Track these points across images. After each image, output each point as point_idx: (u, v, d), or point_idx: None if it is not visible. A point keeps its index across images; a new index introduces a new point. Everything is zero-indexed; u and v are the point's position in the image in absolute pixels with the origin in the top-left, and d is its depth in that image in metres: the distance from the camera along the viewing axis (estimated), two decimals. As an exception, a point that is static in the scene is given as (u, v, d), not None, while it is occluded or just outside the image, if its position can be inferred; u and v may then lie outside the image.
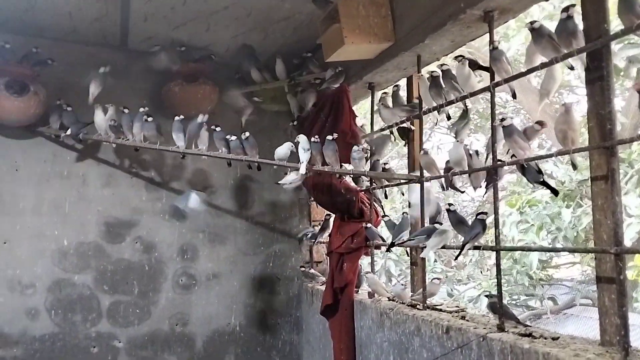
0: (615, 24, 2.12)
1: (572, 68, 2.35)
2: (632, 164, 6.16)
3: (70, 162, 4.22)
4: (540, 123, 2.49)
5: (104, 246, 4.25)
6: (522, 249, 6.30)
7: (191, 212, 4.31)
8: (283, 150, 3.44)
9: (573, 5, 2.16)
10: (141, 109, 3.74)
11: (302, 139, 3.35)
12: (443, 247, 2.67)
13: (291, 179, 3.53)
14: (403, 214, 3.15)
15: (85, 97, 3.93)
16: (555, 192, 2.67)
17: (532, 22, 2.28)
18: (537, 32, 2.26)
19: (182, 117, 3.66)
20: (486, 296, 2.47)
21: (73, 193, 4.21)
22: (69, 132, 3.89)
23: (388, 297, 3.28)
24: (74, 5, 3.66)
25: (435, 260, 8.72)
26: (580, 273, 9.86)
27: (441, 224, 2.72)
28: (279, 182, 3.67)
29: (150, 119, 3.70)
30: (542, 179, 2.41)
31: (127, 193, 4.33)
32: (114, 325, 4.22)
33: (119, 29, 4.05)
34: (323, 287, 3.94)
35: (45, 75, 3.95)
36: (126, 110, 3.77)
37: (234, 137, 3.55)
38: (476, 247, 2.53)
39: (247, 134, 3.55)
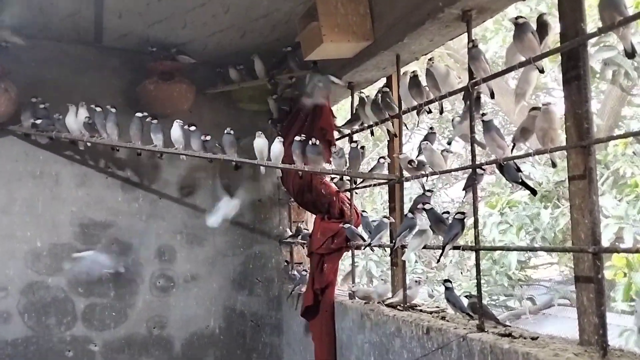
0: (591, 26, 2.14)
1: (542, 71, 2.36)
2: (608, 165, 6.26)
3: (43, 161, 4.11)
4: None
5: (79, 248, 4.14)
6: (501, 248, 6.35)
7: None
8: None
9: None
10: (111, 109, 3.66)
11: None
12: (424, 248, 2.66)
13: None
14: (383, 217, 3.13)
15: (57, 94, 3.84)
16: (533, 191, 2.68)
17: (517, 17, 2.27)
18: (520, 28, 2.25)
19: (155, 120, 3.62)
20: (466, 296, 2.46)
21: (46, 193, 4.10)
22: (38, 121, 3.78)
23: (379, 301, 3.22)
24: (45, 1, 3.56)
25: (416, 261, 8.73)
26: (558, 273, 10.00)
27: (422, 209, 2.67)
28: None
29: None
30: (520, 179, 2.41)
31: (102, 193, 4.23)
32: (90, 328, 4.12)
33: (93, 26, 3.96)
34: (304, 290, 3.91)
35: (16, 72, 3.84)
36: (98, 109, 3.68)
37: (209, 137, 3.49)
38: (456, 247, 2.52)
39: (228, 129, 3.49)
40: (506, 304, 8.38)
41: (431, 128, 3.13)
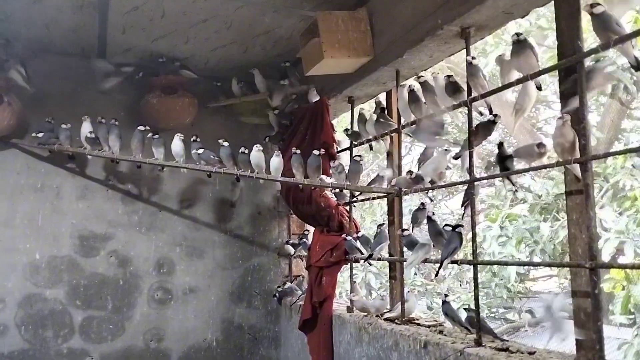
0: (590, 41, 2.17)
1: (540, 88, 2.39)
2: (608, 178, 6.28)
3: (45, 174, 4.14)
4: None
5: (78, 260, 4.15)
6: (499, 263, 6.34)
7: None
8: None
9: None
10: (102, 120, 3.71)
11: None
12: (424, 262, 2.67)
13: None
14: (379, 226, 3.15)
15: (61, 108, 3.88)
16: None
17: (516, 34, 2.31)
18: (519, 45, 2.29)
19: (156, 135, 3.66)
20: (465, 309, 2.47)
21: (47, 206, 4.12)
22: (40, 134, 3.81)
23: (377, 315, 3.23)
24: (49, 16, 3.61)
25: (415, 274, 8.73)
26: (557, 286, 9.98)
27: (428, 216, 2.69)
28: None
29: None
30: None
31: (102, 206, 4.25)
32: (87, 341, 4.11)
33: (97, 40, 4.01)
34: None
35: (20, 87, 3.87)
36: (102, 120, 3.72)
37: (201, 150, 3.52)
38: (454, 262, 2.53)
39: (226, 143, 3.52)
40: (505, 317, 8.37)
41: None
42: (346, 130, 3.70)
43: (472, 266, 2.44)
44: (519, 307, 7.80)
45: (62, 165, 4.16)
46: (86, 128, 3.73)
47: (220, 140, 3.51)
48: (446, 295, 2.58)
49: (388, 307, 3.16)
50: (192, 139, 3.59)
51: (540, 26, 7.12)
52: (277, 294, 4.40)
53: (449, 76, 2.76)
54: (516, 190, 2.47)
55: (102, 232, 4.23)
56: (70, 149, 3.84)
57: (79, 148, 3.81)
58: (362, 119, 3.54)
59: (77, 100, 4.16)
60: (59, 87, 4.15)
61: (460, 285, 9.17)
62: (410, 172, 2.96)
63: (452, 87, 2.72)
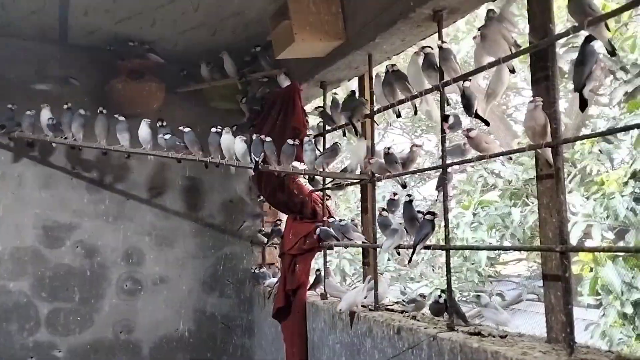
0: (560, 27, 2.16)
1: (513, 71, 2.38)
2: (575, 163, 6.40)
3: (5, 162, 3.98)
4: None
5: (42, 251, 4.02)
6: (471, 247, 6.43)
7: None
8: (228, 140, 3.32)
9: None
10: (65, 106, 3.57)
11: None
12: (397, 247, 2.65)
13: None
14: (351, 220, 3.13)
15: (22, 94, 3.72)
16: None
17: (488, 11, 2.29)
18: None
19: (123, 117, 3.52)
20: (441, 291, 2.45)
21: (8, 195, 3.97)
22: (3, 130, 3.66)
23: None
24: (7, -4, 3.44)
25: (389, 259, 8.80)
26: (526, 269, 10.21)
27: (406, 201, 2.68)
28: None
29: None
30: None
31: (67, 195, 4.11)
32: (54, 334, 3.99)
33: (58, 23, 3.85)
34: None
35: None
36: (65, 107, 3.58)
37: (167, 135, 3.42)
38: (427, 247, 2.52)
39: (187, 129, 3.43)
40: (476, 300, 8.51)
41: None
42: (318, 107, 3.65)
43: (444, 251, 2.43)
44: (489, 291, 7.95)
45: (23, 153, 4.00)
46: (46, 115, 3.59)
47: (181, 127, 3.41)
48: (442, 292, 2.50)
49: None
50: (158, 124, 3.48)
51: (510, 12, 7.16)
52: (253, 270, 4.36)
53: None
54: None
55: (67, 222, 4.10)
56: (31, 136, 3.69)
57: (40, 135, 3.66)
58: (334, 103, 3.49)
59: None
60: (19, 71, 3.98)
61: (433, 270, 9.29)
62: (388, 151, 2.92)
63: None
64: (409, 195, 2.73)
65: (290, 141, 3.28)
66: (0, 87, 3.87)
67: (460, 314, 2.34)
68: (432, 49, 2.66)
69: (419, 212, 2.64)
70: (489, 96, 2.55)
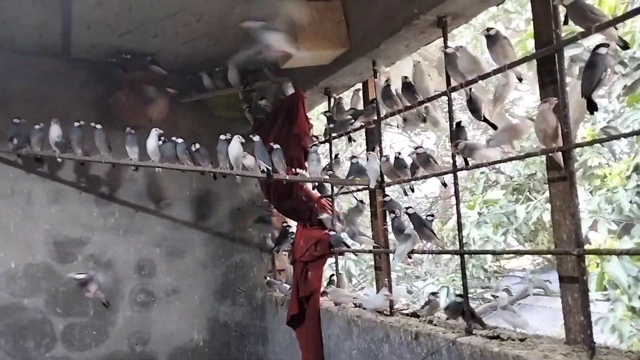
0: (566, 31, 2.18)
1: (520, 79, 2.41)
2: (576, 157, 6.43)
3: (14, 179, 3.98)
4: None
5: (55, 266, 4.03)
6: (486, 252, 6.44)
7: None
8: (236, 147, 3.33)
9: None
10: (76, 123, 3.56)
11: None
12: (412, 253, 2.68)
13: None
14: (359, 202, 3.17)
15: (26, 109, 3.73)
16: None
17: (487, 29, 2.31)
18: (492, 39, 2.30)
19: (132, 130, 3.53)
20: (457, 295, 2.46)
21: (18, 212, 3.98)
22: (14, 141, 3.65)
23: (354, 304, 3.26)
24: (10, 13, 3.45)
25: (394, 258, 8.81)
26: (530, 262, 10.22)
27: (406, 213, 2.72)
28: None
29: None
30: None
31: (76, 209, 4.12)
32: (70, 349, 4.01)
33: (61, 38, 3.86)
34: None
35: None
36: (76, 124, 3.58)
37: (198, 145, 3.44)
38: (441, 252, 2.55)
39: (197, 145, 3.45)
40: (483, 297, 8.53)
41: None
42: (325, 112, 3.68)
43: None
44: (495, 287, 7.96)
45: (31, 169, 4.02)
46: (55, 132, 3.59)
47: (174, 138, 3.43)
48: (460, 296, 2.52)
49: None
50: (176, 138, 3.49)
51: (506, 9, 7.20)
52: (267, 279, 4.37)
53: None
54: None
55: (77, 237, 4.11)
56: (40, 152, 3.70)
57: (49, 151, 3.67)
58: (340, 109, 3.52)
59: (43, 100, 4.01)
60: (23, 87, 3.99)
61: (438, 267, 9.30)
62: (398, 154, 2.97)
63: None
64: (409, 207, 2.75)
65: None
66: (5, 101, 3.86)
67: (477, 318, 2.37)
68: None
69: (428, 215, 2.73)
70: (497, 100, 2.59)
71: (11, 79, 3.93)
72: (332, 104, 3.76)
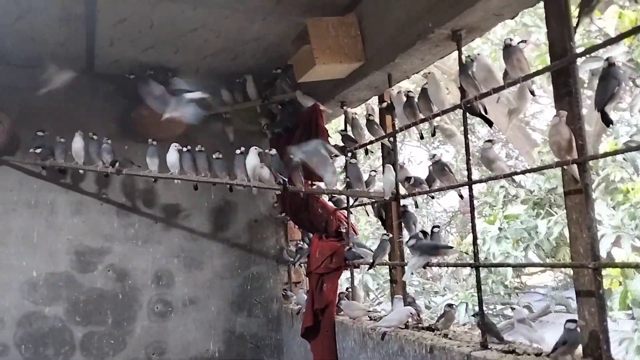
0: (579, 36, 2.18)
1: (533, 94, 2.41)
2: (598, 171, 6.32)
3: (38, 190, 4.10)
4: None
5: (75, 276, 4.12)
6: (501, 265, 6.35)
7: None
8: (253, 159, 3.38)
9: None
10: (94, 136, 3.69)
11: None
12: (426, 266, 2.67)
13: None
14: (383, 235, 3.16)
15: (51, 123, 3.83)
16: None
17: (509, 39, 2.32)
18: (508, 50, 2.30)
19: (155, 142, 3.61)
20: (473, 315, 2.46)
21: (41, 222, 4.08)
22: (38, 150, 3.76)
23: (369, 317, 3.25)
24: (36, 30, 3.58)
25: (412, 273, 8.73)
26: (552, 279, 10.02)
27: (424, 232, 2.74)
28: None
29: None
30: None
31: (97, 220, 4.22)
32: (88, 357, 4.07)
33: (85, 54, 3.98)
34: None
35: (9, 102, 3.84)
36: (95, 137, 3.68)
37: (219, 154, 3.54)
38: (456, 264, 2.54)
39: (219, 154, 3.52)
40: (503, 313, 8.38)
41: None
42: (341, 131, 3.71)
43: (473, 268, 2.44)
44: (516, 303, 7.82)
45: (55, 180, 4.12)
46: (78, 143, 3.69)
47: (217, 154, 3.51)
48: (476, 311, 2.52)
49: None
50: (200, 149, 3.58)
51: (525, 24, 7.17)
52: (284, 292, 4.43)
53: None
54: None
55: (98, 247, 4.20)
56: (64, 164, 3.80)
57: (72, 163, 3.77)
58: (356, 124, 3.54)
59: (67, 113, 4.13)
60: (48, 100, 4.09)
61: (457, 282, 9.18)
62: (408, 178, 2.98)
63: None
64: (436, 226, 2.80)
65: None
66: (30, 115, 3.98)
67: (494, 332, 2.34)
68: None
69: (434, 227, 2.80)
70: (512, 113, 2.59)
71: (37, 94, 4.05)
72: (348, 121, 3.78)
